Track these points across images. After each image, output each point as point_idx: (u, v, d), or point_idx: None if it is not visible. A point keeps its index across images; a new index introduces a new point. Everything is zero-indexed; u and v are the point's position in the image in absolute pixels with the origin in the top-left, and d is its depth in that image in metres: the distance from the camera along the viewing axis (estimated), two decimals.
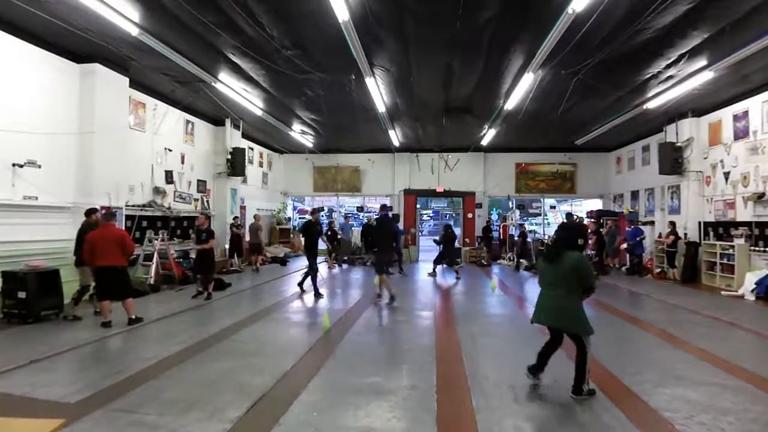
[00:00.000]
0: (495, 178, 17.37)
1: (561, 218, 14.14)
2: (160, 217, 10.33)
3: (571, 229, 3.96)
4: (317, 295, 8.66)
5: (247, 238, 14.42)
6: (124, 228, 8.52)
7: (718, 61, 7.70)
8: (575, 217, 15.12)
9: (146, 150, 10.25)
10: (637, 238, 12.56)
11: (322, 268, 12.95)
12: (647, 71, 8.51)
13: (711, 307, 8.01)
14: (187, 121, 11.99)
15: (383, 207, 9.32)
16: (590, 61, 7.78)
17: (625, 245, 12.82)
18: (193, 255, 9.79)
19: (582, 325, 3.84)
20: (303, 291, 9.13)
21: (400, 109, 11.62)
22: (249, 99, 10.57)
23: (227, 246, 12.82)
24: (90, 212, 6.99)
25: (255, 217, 14.11)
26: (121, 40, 7.26)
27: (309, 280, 8.91)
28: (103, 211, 7.34)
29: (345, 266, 14.61)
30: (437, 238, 13.08)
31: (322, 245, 12.12)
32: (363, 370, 4.50)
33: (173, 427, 3.20)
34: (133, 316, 6.28)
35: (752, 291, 8.87)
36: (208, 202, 12.99)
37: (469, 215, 17.09)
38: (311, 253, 8.88)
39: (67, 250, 7.96)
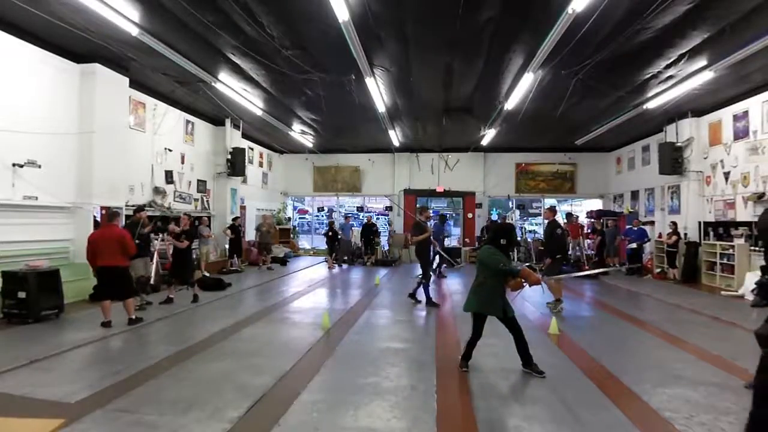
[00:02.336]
0: (495, 178, 17.36)
1: (561, 218, 14.11)
2: (160, 217, 10.32)
3: (495, 229, 4.70)
4: (431, 304, 7.90)
5: (248, 238, 14.45)
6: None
7: (718, 61, 7.70)
8: (502, 218, 15.29)
9: (146, 150, 10.25)
10: (645, 239, 12.48)
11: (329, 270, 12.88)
12: (647, 71, 8.50)
13: (711, 307, 8.01)
14: (187, 121, 11.99)
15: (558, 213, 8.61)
16: (590, 61, 7.78)
17: (634, 245, 12.63)
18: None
19: (472, 306, 4.46)
20: (417, 301, 8.15)
21: (400, 109, 11.62)
22: (249, 99, 10.57)
23: (227, 246, 12.83)
24: (137, 210, 7.65)
25: (264, 217, 14.18)
26: (121, 40, 7.25)
27: (421, 288, 8.06)
28: (103, 212, 7.41)
29: (345, 266, 14.61)
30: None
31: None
32: (363, 370, 4.50)
33: (173, 427, 3.20)
34: (133, 317, 6.27)
35: (752, 291, 8.86)
36: (208, 202, 12.99)
37: (469, 215, 17.10)
38: (426, 258, 8.12)
39: (67, 250, 8.00)
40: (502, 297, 4.42)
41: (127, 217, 8.52)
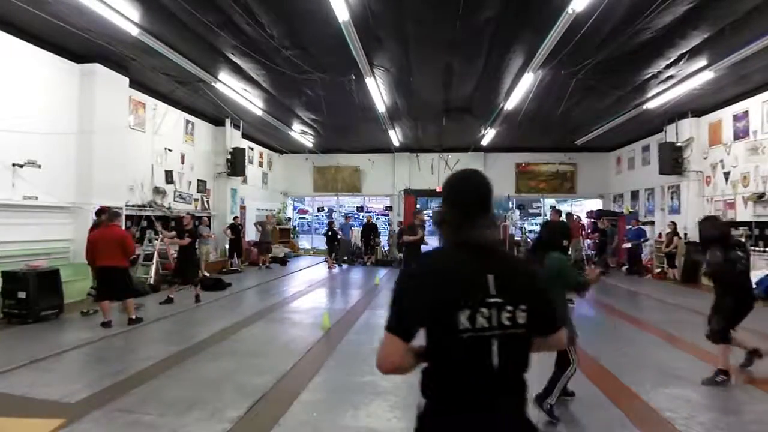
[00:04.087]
0: (495, 178, 16.88)
1: (561, 218, 14.15)
2: (160, 217, 10.33)
3: (553, 228, 3.68)
4: None
5: (249, 238, 14.45)
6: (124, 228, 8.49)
7: (718, 61, 7.70)
8: (571, 214, 15.04)
9: (146, 150, 10.25)
10: (641, 239, 12.50)
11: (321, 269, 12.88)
12: (647, 71, 8.50)
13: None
14: (187, 121, 11.98)
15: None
16: (590, 61, 7.77)
17: (629, 244, 12.70)
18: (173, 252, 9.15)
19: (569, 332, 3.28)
20: None
21: (400, 109, 11.62)
22: (249, 99, 10.56)
23: (227, 246, 12.82)
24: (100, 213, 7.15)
25: (267, 217, 14.22)
26: (121, 40, 7.25)
27: None
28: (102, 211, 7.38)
29: (345, 266, 14.61)
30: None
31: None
32: (363, 369, 4.50)
33: (173, 427, 3.20)
34: (133, 317, 6.26)
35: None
36: (208, 202, 12.99)
37: None
38: (409, 260, 8.08)
39: (67, 250, 8.00)
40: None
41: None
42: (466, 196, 1.41)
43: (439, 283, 1.32)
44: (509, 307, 1.31)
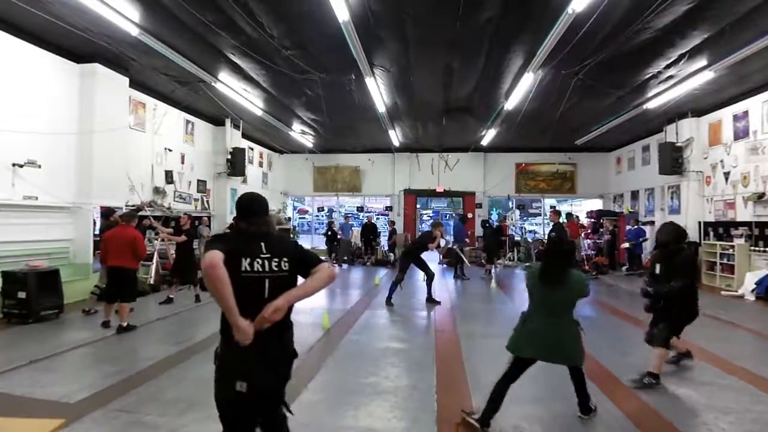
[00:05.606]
0: (495, 178, 17.35)
1: (561, 218, 14.11)
2: (160, 217, 10.31)
3: (567, 245, 3.46)
4: (431, 301, 8.21)
5: None
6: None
7: (718, 61, 7.70)
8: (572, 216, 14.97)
9: (146, 150, 10.24)
10: (640, 239, 12.53)
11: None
12: (647, 71, 8.51)
13: (711, 307, 7.98)
14: (187, 121, 11.98)
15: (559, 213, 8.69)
16: (590, 61, 7.78)
17: (627, 245, 12.76)
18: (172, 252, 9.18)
19: (582, 355, 3.34)
20: (437, 302, 8.23)
21: (400, 109, 11.62)
22: (249, 99, 10.56)
23: None
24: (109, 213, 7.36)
25: (271, 216, 14.22)
26: (121, 40, 7.26)
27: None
28: (113, 213, 7.49)
29: (345, 266, 14.60)
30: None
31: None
32: (363, 370, 4.50)
33: (173, 427, 3.20)
34: (125, 324, 5.91)
35: (752, 291, 8.87)
36: (208, 202, 12.99)
37: (469, 215, 17.10)
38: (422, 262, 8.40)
39: (67, 250, 7.99)
40: None
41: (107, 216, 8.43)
42: (241, 208, 2.24)
43: (231, 243, 2.06)
44: (276, 259, 2.08)
